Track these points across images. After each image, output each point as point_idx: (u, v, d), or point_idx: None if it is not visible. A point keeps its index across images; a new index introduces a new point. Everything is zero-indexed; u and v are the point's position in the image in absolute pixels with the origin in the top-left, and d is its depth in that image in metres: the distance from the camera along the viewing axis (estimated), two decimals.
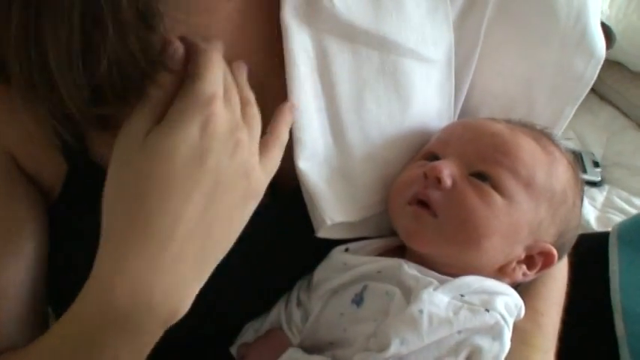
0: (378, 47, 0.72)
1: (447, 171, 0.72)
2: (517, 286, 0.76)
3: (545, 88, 0.84)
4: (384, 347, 0.66)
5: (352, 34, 0.71)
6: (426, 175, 0.72)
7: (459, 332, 0.67)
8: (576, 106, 0.86)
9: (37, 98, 0.57)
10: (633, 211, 1.85)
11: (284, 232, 0.75)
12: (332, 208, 0.72)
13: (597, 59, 0.83)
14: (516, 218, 0.72)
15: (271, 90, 0.70)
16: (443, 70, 0.78)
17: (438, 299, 0.68)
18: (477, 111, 0.84)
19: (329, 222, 0.72)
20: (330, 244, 0.77)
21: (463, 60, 0.79)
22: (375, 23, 0.71)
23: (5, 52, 0.54)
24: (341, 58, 0.71)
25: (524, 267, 0.75)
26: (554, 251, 0.75)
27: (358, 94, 0.73)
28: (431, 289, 0.69)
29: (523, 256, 0.74)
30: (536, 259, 0.75)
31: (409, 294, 0.69)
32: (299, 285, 0.79)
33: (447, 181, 0.71)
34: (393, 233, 0.78)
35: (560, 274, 0.86)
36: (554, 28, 0.80)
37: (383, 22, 0.71)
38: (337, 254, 0.77)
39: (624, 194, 1.96)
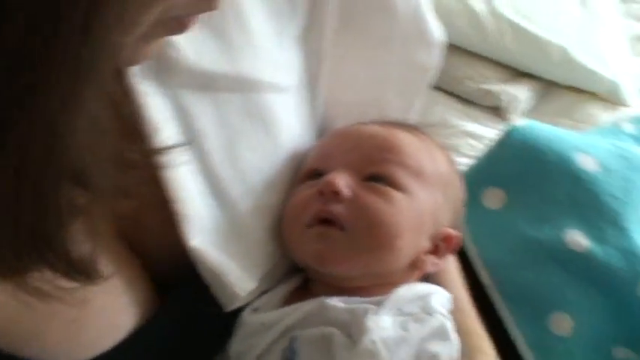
0: (238, 89, 0.69)
1: (343, 181, 0.71)
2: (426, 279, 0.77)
3: (394, 86, 0.86)
4: None
5: (209, 82, 0.66)
6: (322, 192, 0.70)
7: (412, 346, 0.67)
8: (423, 94, 0.91)
9: None
10: None
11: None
12: (239, 278, 0.69)
13: (438, 46, 0.87)
14: (419, 210, 0.73)
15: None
16: (296, 94, 0.77)
17: (383, 322, 0.67)
18: (333, 122, 0.84)
19: (242, 293, 0.69)
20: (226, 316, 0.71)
21: (313, 76, 0.78)
22: (230, 63, 0.67)
23: None
24: (202, 112, 0.66)
25: (431, 257, 0.76)
26: (456, 233, 0.78)
27: (229, 145, 0.69)
28: (372, 315, 0.67)
29: (429, 246, 0.75)
30: (441, 246, 0.76)
31: (349, 328, 0.67)
32: None
33: (346, 191, 0.70)
34: (286, 276, 0.75)
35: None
36: (395, 29, 0.82)
37: (237, 60, 0.68)
38: (249, 318, 0.71)
39: None
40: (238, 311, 0.71)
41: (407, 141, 0.76)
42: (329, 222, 0.70)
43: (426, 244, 0.75)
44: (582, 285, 1.03)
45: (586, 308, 1.02)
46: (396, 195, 0.72)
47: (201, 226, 0.66)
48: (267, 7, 0.71)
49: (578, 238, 1.05)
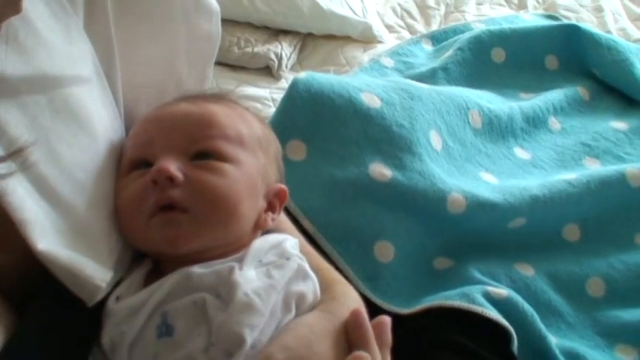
0: (41, 90, 0.67)
1: (173, 166, 0.71)
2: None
3: (183, 60, 0.87)
4: (239, 344, 0.66)
5: (10, 88, 0.64)
6: (155, 181, 0.71)
7: (280, 291, 0.71)
8: (213, 63, 0.92)
9: None
10: None
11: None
12: (95, 269, 0.68)
13: (217, 14, 0.89)
14: (249, 175, 0.75)
15: None
16: (97, 83, 0.75)
17: (249, 275, 0.70)
18: (135, 106, 0.83)
19: (103, 284, 0.68)
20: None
21: (106, 63, 0.77)
22: (26, 66, 0.65)
23: None
24: (12, 119, 0.64)
25: (270, 214, 0.80)
26: (284, 186, 0.81)
27: (47, 146, 0.67)
28: (237, 271, 0.70)
29: (265, 205, 0.79)
30: (274, 202, 0.80)
31: (217, 290, 0.69)
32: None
33: (179, 175, 0.71)
34: (136, 260, 0.75)
35: None
36: (172, 4, 0.83)
37: (33, 62, 0.66)
38: (115, 306, 0.70)
39: None
40: (99, 305, 0.70)
41: (221, 112, 0.78)
42: (170, 208, 0.71)
43: (262, 203, 0.78)
44: (395, 211, 1.11)
45: (403, 232, 1.10)
46: (226, 167, 0.73)
47: (42, 230, 0.64)
48: (49, 4, 0.69)
49: (381, 170, 1.12)
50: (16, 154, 0.62)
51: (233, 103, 0.83)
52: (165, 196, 0.70)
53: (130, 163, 0.75)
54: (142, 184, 0.72)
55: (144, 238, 0.73)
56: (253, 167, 0.76)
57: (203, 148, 0.74)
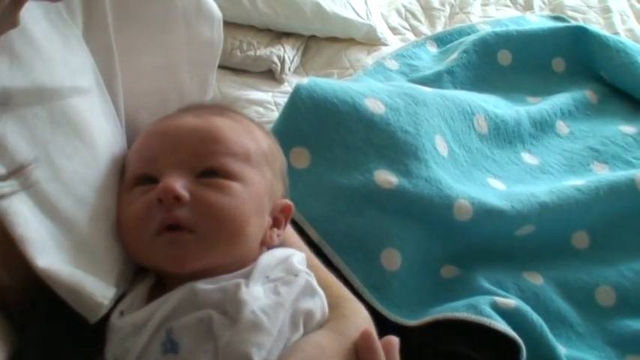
0: (39, 101, 0.65)
1: (179, 184, 0.69)
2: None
3: (185, 67, 0.85)
4: None
5: (7, 101, 0.62)
6: (161, 200, 0.69)
7: (287, 309, 0.69)
8: (216, 70, 0.90)
9: None
10: None
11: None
12: (97, 286, 0.66)
13: (218, 19, 0.87)
14: (256, 193, 0.74)
15: None
16: (98, 93, 0.74)
17: (256, 292, 0.68)
18: (137, 115, 0.82)
19: (106, 302, 0.66)
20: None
21: (106, 73, 0.75)
22: (24, 78, 0.64)
23: None
24: (10, 132, 0.62)
25: (275, 230, 0.78)
26: (289, 202, 0.80)
27: (47, 159, 0.65)
28: (244, 288, 0.68)
29: (271, 221, 0.77)
30: (280, 218, 0.79)
31: (223, 307, 0.67)
32: None
33: (186, 194, 0.69)
34: (138, 274, 0.74)
35: None
36: (173, 9, 0.81)
37: (31, 73, 0.64)
38: (119, 322, 0.69)
39: None
40: (102, 319, 0.68)
41: (227, 127, 0.76)
42: (176, 227, 0.69)
43: (268, 220, 0.77)
44: (401, 218, 1.09)
45: (410, 239, 1.09)
46: (233, 185, 0.72)
47: (43, 246, 0.63)
48: (48, 15, 0.68)
49: (386, 177, 1.10)
50: (18, 172, 0.61)
51: (238, 115, 0.81)
52: (171, 216, 0.69)
53: (133, 178, 0.73)
54: (146, 202, 0.70)
55: (148, 256, 0.71)
56: (260, 185, 0.75)
57: (209, 165, 0.72)
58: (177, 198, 0.68)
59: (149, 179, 0.72)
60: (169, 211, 0.69)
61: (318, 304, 0.72)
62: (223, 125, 0.76)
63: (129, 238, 0.71)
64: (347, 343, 0.70)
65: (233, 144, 0.74)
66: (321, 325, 0.72)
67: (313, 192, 1.10)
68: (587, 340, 1.06)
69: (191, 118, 0.76)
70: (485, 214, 1.11)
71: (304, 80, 1.21)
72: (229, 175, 0.72)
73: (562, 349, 1.00)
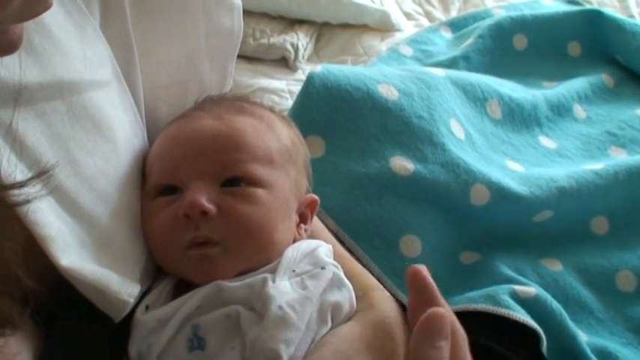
0: (58, 96, 0.64)
1: (204, 198, 0.69)
2: None
3: (205, 57, 0.84)
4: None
5: (28, 96, 0.61)
6: (187, 216, 0.69)
7: (315, 303, 0.68)
8: (235, 59, 0.89)
9: None
10: None
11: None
12: (121, 284, 0.66)
13: (238, 8, 0.86)
14: (282, 196, 0.74)
15: None
16: (117, 86, 0.73)
17: (282, 287, 0.68)
18: (155, 107, 0.81)
19: (131, 300, 0.66)
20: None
21: (125, 65, 0.74)
22: (42, 72, 0.62)
23: None
24: (30, 128, 0.61)
25: (302, 226, 0.78)
26: (315, 196, 0.80)
27: (67, 155, 0.64)
28: (270, 283, 0.68)
29: (298, 219, 0.78)
30: (307, 212, 0.79)
31: (250, 303, 0.67)
32: None
33: (213, 208, 0.69)
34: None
35: None
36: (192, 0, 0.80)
37: (49, 66, 0.63)
38: (144, 317, 0.69)
39: None
40: (127, 314, 0.68)
41: (249, 130, 0.75)
42: (204, 242, 0.70)
43: (296, 218, 0.77)
44: (418, 204, 1.08)
45: (428, 225, 1.08)
46: (259, 192, 0.72)
47: (66, 245, 0.62)
48: (64, 6, 0.66)
49: (402, 163, 1.09)
50: (41, 175, 0.59)
51: (258, 107, 0.80)
52: (201, 235, 0.69)
53: (155, 188, 0.73)
54: (172, 216, 0.70)
55: (177, 268, 0.72)
56: (285, 186, 0.75)
57: (233, 174, 0.72)
58: (204, 212, 0.68)
59: (172, 189, 0.72)
60: (197, 228, 0.69)
61: (346, 297, 0.72)
62: (245, 127, 0.75)
63: (157, 250, 0.72)
64: (375, 334, 0.69)
65: (256, 148, 0.74)
66: (349, 317, 0.71)
67: (329, 181, 1.09)
68: (608, 326, 1.04)
69: (210, 120, 0.75)
70: (502, 199, 1.10)
71: (317, 68, 1.20)
72: (254, 182, 0.72)
73: (583, 336, 0.98)
